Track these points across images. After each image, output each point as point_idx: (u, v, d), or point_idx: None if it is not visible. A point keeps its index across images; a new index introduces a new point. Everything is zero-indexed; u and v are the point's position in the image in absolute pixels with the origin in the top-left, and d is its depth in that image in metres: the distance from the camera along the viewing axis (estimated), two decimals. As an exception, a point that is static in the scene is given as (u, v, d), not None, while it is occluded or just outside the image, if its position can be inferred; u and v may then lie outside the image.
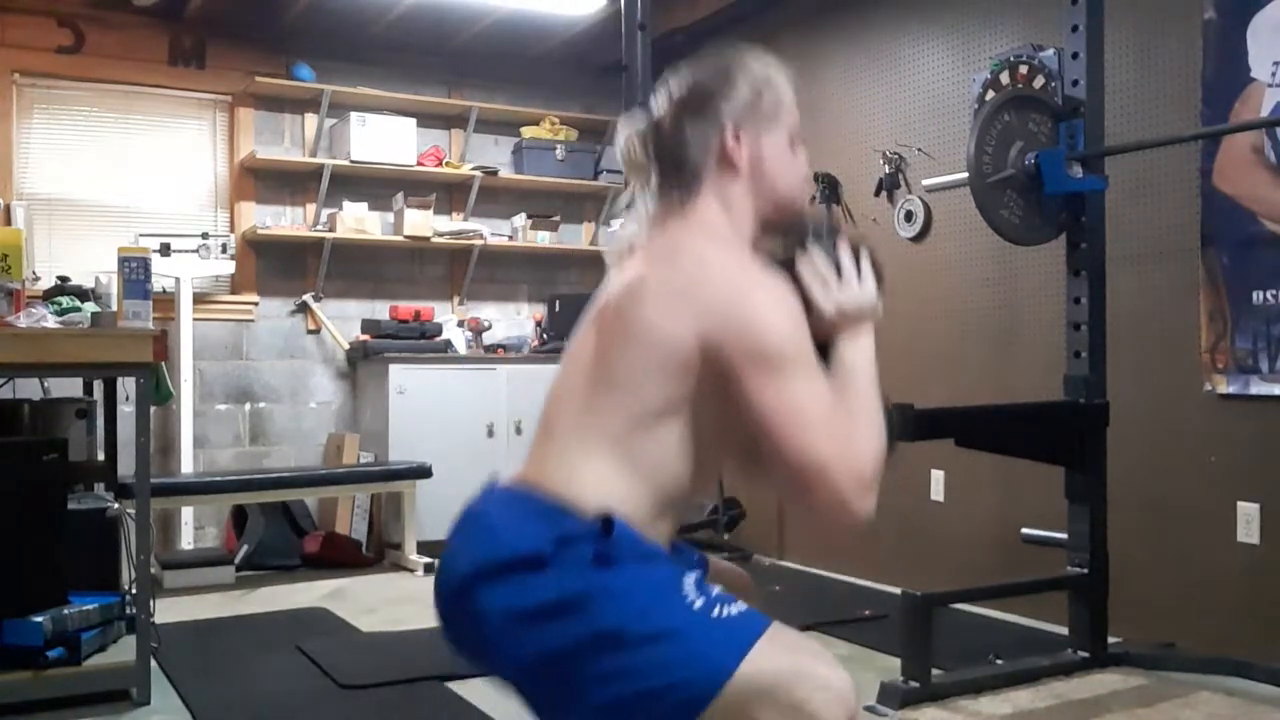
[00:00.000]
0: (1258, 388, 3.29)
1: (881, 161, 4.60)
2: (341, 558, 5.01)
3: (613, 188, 5.89)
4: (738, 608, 1.34)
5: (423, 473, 4.96)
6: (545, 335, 5.80)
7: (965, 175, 3.23)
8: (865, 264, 1.58)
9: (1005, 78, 4.04)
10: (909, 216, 4.53)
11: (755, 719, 1.27)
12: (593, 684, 1.30)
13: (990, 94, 4.05)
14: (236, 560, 4.82)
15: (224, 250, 5.22)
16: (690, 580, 1.35)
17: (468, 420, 5.33)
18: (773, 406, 1.34)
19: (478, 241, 5.75)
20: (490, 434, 5.36)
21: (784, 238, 1.58)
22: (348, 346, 5.55)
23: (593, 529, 1.34)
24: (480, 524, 1.47)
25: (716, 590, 1.36)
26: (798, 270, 1.52)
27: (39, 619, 2.87)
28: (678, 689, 1.28)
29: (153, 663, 3.08)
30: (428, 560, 4.90)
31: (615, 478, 1.39)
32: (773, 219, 1.56)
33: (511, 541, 1.38)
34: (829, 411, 1.36)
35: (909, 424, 2.99)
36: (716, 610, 1.32)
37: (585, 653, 1.30)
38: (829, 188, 4.88)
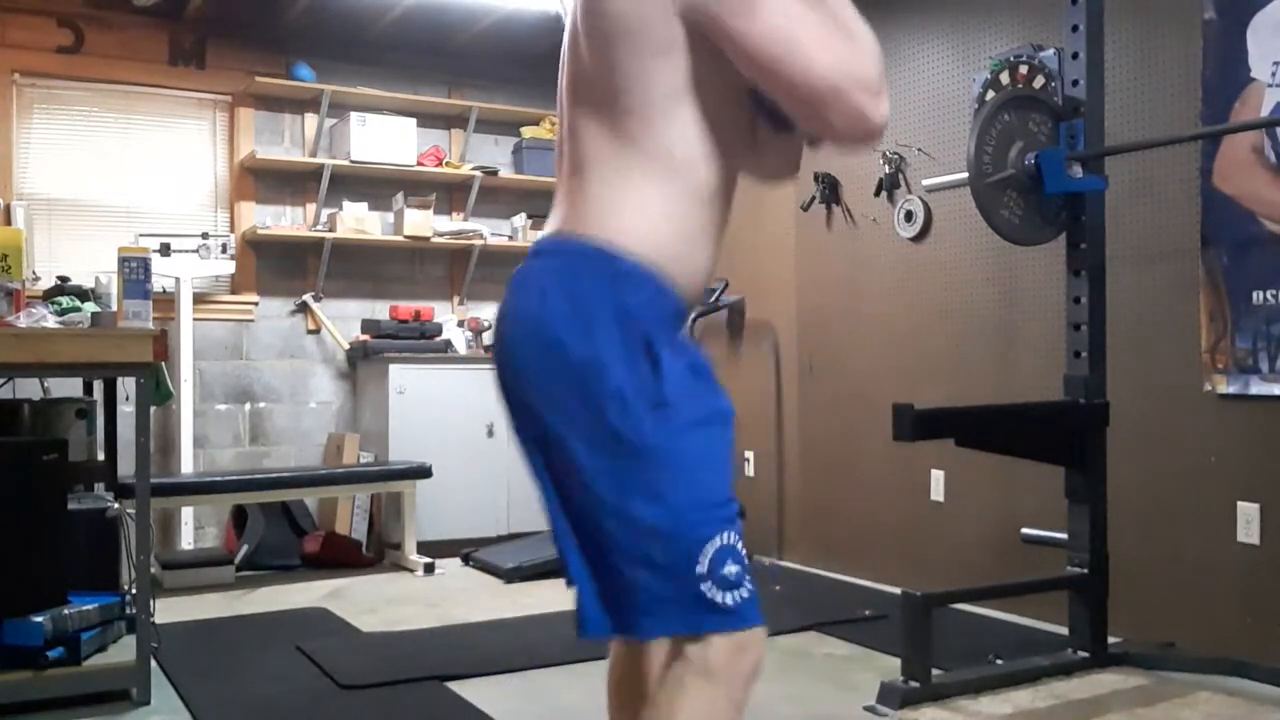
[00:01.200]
0: (1258, 388, 3.29)
1: (881, 161, 4.60)
2: (341, 558, 5.01)
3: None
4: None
5: (423, 473, 4.96)
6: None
7: (965, 175, 3.23)
8: None
9: (1005, 78, 4.04)
10: (909, 216, 4.53)
11: None
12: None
13: (990, 94, 4.05)
14: (236, 560, 4.82)
15: (224, 250, 5.22)
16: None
17: (468, 420, 5.33)
18: (763, 41, 1.33)
19: (478, 241, 5.75)
20: (490, 434, 5.36)
21: None
22: (348, 346, 5.55)
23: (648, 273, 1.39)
24: (544, 283, 1.44)
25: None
26: None
27: (39, 619, 2.87)
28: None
29: (153, 663, 3.08)
30: (427, 560, 4.90)
31: (652, 193, 1.40)
32: None
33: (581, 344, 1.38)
34: (818, 29, 1.34)
35: (909, 424, 3.00)
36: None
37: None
38: (829, 188, 4.89)
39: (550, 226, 1.50)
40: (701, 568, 1.34)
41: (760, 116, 1.53)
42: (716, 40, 1.36)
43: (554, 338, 1.39)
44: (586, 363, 1.37)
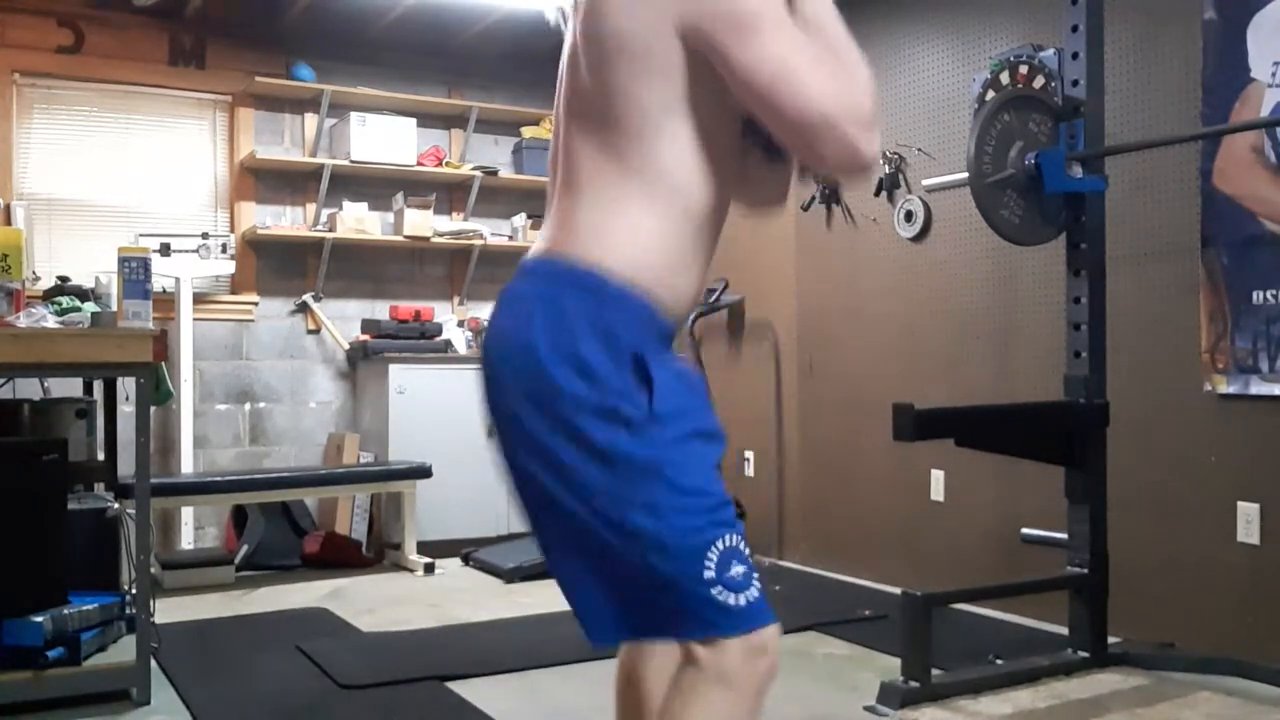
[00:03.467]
0: (1258, 388, 3.29)
1: (881, 161, 4.60)
2: (341, 558, 5.01)
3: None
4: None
5: (423, 473, 4.96)
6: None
7: (965, 175, 3.23)
8: None
9: (1005, 78, 4.04)
10: (909, 216, 4.53)
11: None
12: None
13: (990, 94, 4.05)
14: (236, 560, 4.82)
15: (224, 250, 5.22)
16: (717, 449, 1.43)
17: (468, 420, 5.26)
18: (759, 69, 1.33)
19: (478, 241, 5.75)
20: (490, 434, 5.35)
21: None
22: (348, 346, 5.55)
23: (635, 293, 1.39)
24: (528, 306, 1.44)
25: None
26: None
27: (39, 619, 2.87)
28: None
29: (153, 663, 3.08)
30: (427, 560, 4.90)
31: (644, 216, 1.40)
32: None
33: (561, 362, 1.38)
34: (814, 60, 1.35)
35: (909, 424, 3.00)
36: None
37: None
38: (829, 188, 4.89)
39: (539, 245, 1.50)
40: (709, 573, 1.34)
41: (753, 144, 1.53)
42: (714, 64, 1.36)
43: (539, 358, 1.39)
44: (573, 381, 1.37)
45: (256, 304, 5.47)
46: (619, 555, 1.37)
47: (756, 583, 1.38)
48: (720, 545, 1.36)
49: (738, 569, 1.36)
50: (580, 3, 1.48)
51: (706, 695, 1.36)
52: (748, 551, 1.40)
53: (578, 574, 1.43)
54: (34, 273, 4.72)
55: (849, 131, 1.34)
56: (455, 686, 3.18)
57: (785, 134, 1.38)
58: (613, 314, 1.38)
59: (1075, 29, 3.30)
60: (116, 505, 3.54)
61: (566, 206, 1.46)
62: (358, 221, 5.49)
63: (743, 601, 1.35)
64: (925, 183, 4.31)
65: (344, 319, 5.63)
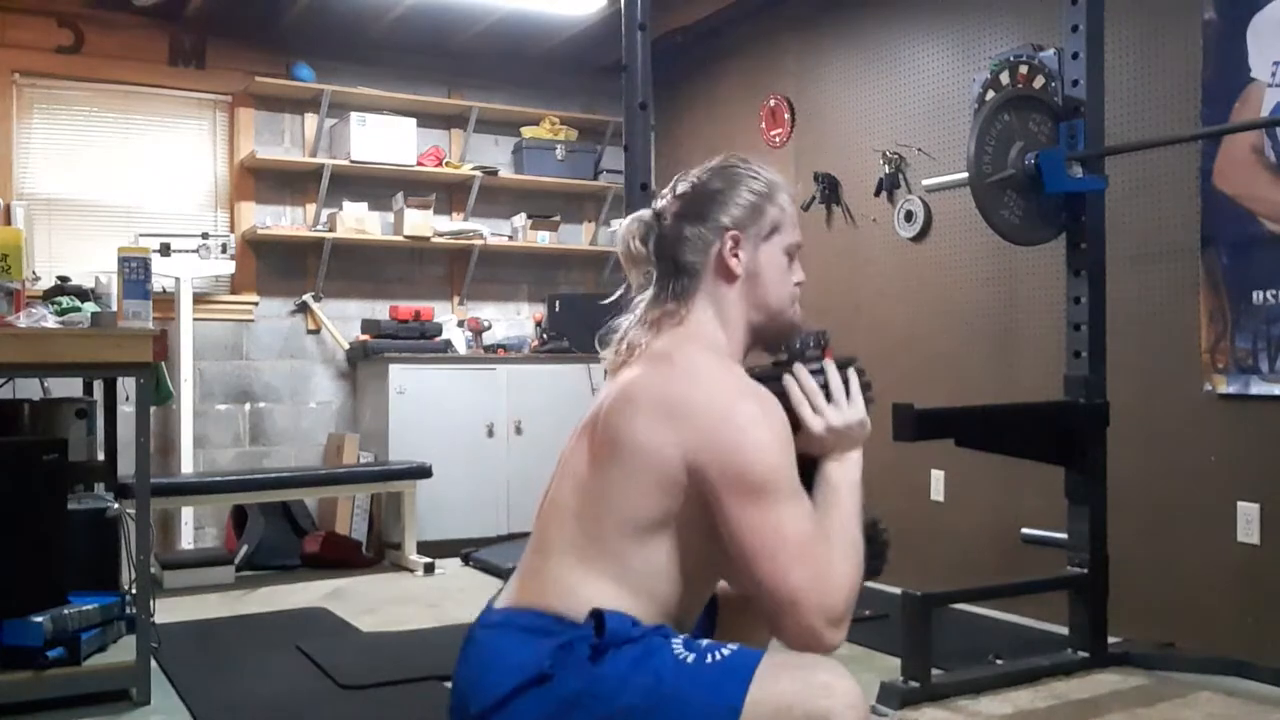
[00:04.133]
0: (1258, 388, 3.29)
1: (881, 161, 4.60)
2: (341, 558, 5.01)
3: (613, 188, 5.89)
4: (729, 649, 1.37)
5: (423, 473, 4.96)
6: (545, 335, 5.80)
7: (965, 175, 3.23)
8: (854, 382, 1.56)
9: (1005, 78, 4.04)
10: (909, 216, 4.53)
11: None
12: None
13: (990, 94, 4.05)
14: (236, 560, 4.82)
15: (224, 250, 5.22)
16: (678, 641, 1.38)
17: (468, 420, 5.33)
18: (749, 532, 1.36)
19: (478, 241, 5.75)
20: (490, 434, 5.36)
21: (772, 353, 1.59)
22: (348, 346, 5.55)
23: (587, 630, 1.37)
24: (484, 656, 1.47)
25: (705, 642, 1.40)
26: (784, 387, 1.52)
27: (39, 619, 2.87)
28: None
29: (153, 663, 3.08)
30: (427, 560, 4.90)
31: (612, 595, 1.41)
32: (764, 330, 1.58)
33: (515, 669, 1.40)
34: (806, 542, 1.37)
35: (909, 424, 3.00)
36: (709, 658, 1.36)
37: None
38: (829, 188, 4.89)
39: (501, 600, 1.52)
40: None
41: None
42: (712, 502, 1.38)
43: (480, 710, 1.41)
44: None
45: (256, 304, 5.47)
46: None
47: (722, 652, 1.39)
48: None
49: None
50: (615, 388, 1.49)
51: None
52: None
53: None
54: (34, 273, 4.71)
55: (812, 623, 1.35)
56: (455, 686, 3.17)
57: (752, 594, 1.40)
58: (568, 666, 1.38)
59: (1075, 29, 3.30)
60: (116, 505, 3.54)
61: (536, 565, 1.48)
62: (358, 221, 5.49)
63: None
64: (925, 183, 4.30)
65: (344, 319, 5.63)
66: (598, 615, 1.37)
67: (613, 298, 1.69)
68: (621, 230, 1.62)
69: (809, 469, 1.48)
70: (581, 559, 1.43)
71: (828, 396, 1.52)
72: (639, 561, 1.42)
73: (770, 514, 1.35)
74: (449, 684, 3.36)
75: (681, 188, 1.59)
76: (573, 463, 1.50)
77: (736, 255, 1.54)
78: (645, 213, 1.61)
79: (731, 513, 1.36)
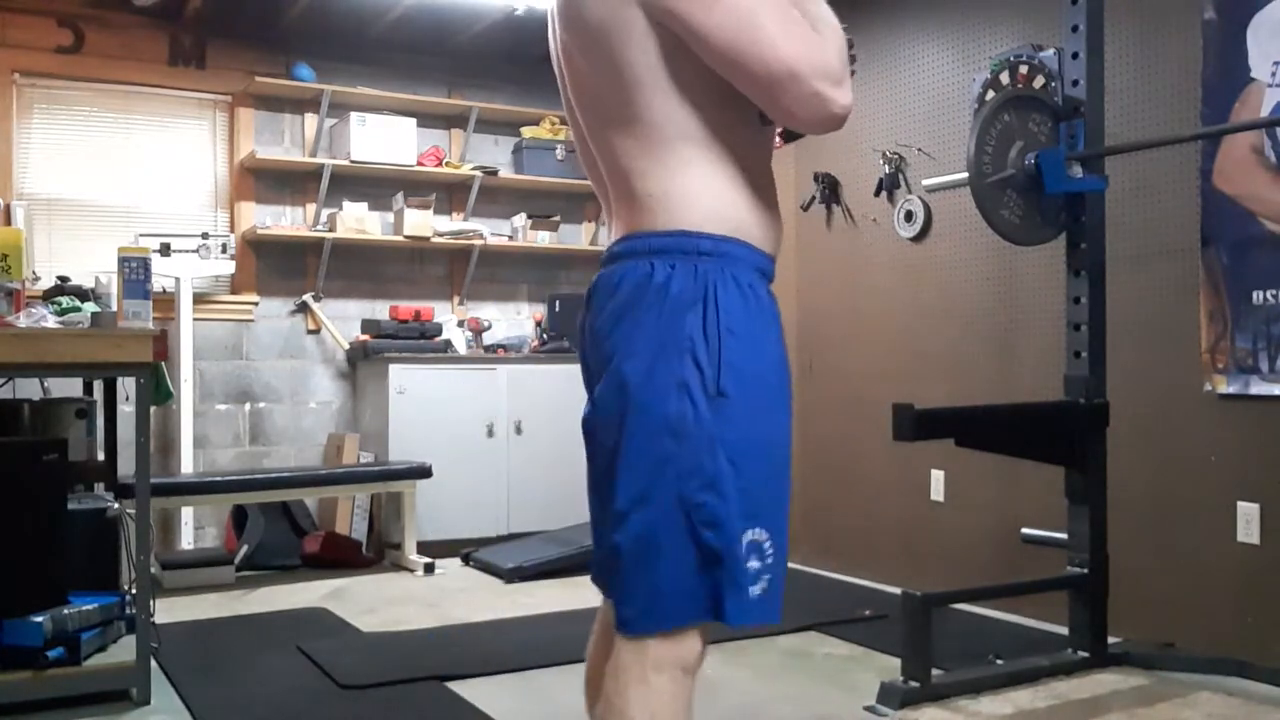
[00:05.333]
0: (1258, 388, 3.29)
1: (881, 161, 4.61)
2: (341, 558, 5.01)
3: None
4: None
5: (423, 473, 4.96)
6: (545, 335, 5.80)
7: (965, 175, 3.23)
8: None
9: (1005, 78, 4.04)
10: (909, 216, 4.53)
11: None
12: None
13: (990, 94, 4.05)
14: (236, 560, 4.82)
15: (224, 250, 5.22)
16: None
17: (468, 420, 5.33)
18: (721, 29, 1.35)
19: (478, 241, 5.75)
20: (490, 434, 5.36)
21: None
22: (348, 346, 5.55)
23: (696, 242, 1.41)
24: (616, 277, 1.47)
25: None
26: None
27: (39, 619, 2.87)
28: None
29: (153, 663, 3.08)
30: (427, 560, 4.90)
31: (693, 172, 1.42)
32: None
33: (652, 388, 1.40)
34: (779, 18, 1.36)
35: (909, 424, 3.00)
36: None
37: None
38: (829, 188, 4.89)
39: (615, 233, 1.53)
40: (741, 558, 1.38)
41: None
42: (677, 32, 1.38)
43: (630, 336, 1.42)
44: (656, 355, 1.39)
45: (256, 304, 5.47)
46: (666, 523, 1.39)
47: (764, 583, 1.40)
48: (750, 536, 1.39)
49: (753, 563, 1.39)
50: (557, 4, 1.51)
51: (639, 677, 1.40)
52: (770, 550, 1.42)
53: (619, 515, 1.44)
54: (34, 273, 4.71)
55: (816, 85, 1.36)
56: (455, 686, 3.18)
57: (752, 92, 1.40)
58: (709, 270, 1.40)
59: (1075, 29, 3.30)
60: (116, 505, 3.54)
61: (622, 191, 1.49)
62: (358, 221, 5.49)
63: (755, 592, 1.40)
64: (925, 183, 4.31)
65: (344, 319, 5.63)
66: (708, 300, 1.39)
67: None
68: None
69: None
70: (649, 158, 1.43)
71: None
72: (681, 121, 1.42)
73: (733, 5, 1.35)
74: (450, 683, 3.37)
75: None
76: (578, 97, 1.52)
77: None
78: None
79: (696, 24, 1.36)
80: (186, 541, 5.09)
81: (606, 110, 1.47)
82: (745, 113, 1.48)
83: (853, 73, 1.47)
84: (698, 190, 1.42)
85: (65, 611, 2.96)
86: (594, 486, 1.51)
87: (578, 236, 6.27)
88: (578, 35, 1.46)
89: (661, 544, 1.38)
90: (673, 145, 1.42)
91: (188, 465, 5.12)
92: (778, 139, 1.65)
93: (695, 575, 1.38)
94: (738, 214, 1.44)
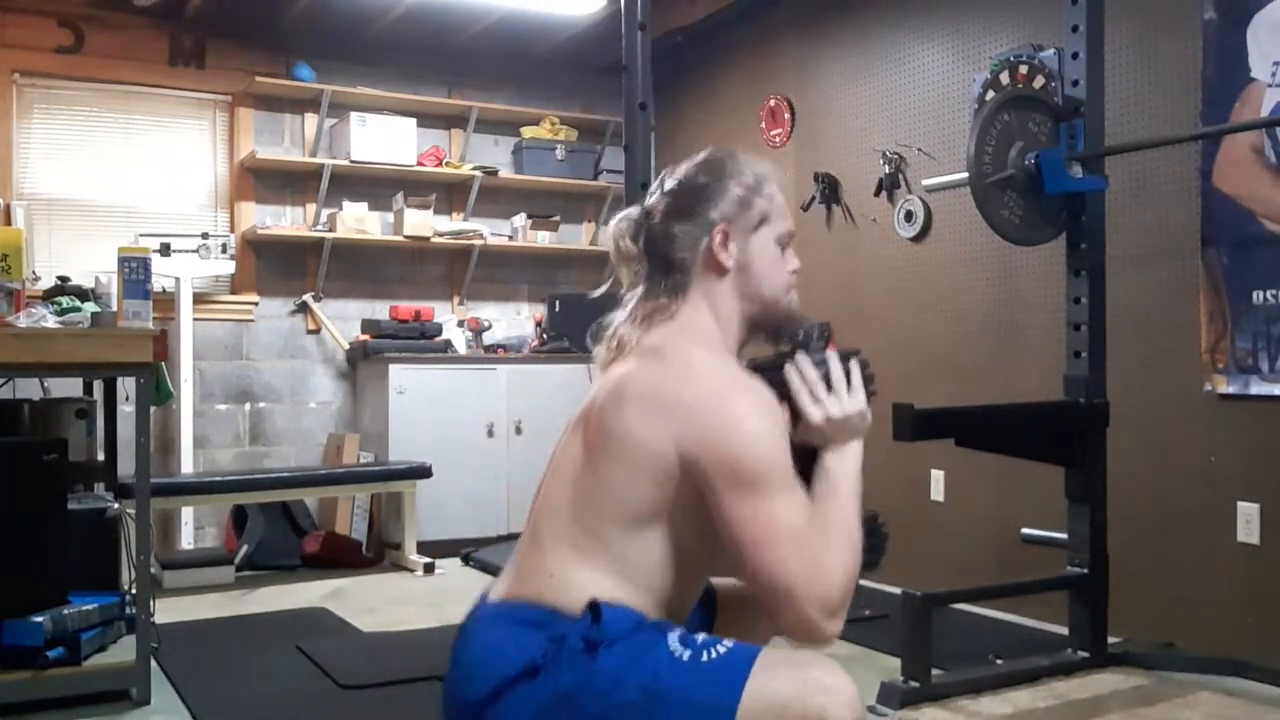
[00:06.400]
0: (1258, 388, 3.29)
1: (881, 161, 4.60)
2: (341, 558, 5.01)
3: (613, 188, 5.89)
4: (725, 645, 1.37)
5: (423, 473, 4.96)
6: (545, 335, 5.80)
7: (965, 175, 3.23)
8: (856, 373, 1.56)
9: (1005, 78, 4.04)
10: (909, 216, 4.53)
11: None
12: None
13: (990, 94, 4.05)
14: (236, 560, 4.82)
15: (224, 250, 5.22)
16: (674, 637, 1.38)
17: (468, 420, 5.33)
18: (743, 523, 1.36)
19: (478, 241, 5.75)
20: (490, 434, 5.36)
21: (774, 343, 1.59)
22: (348, 346, 5.55)
23: (583, 622, 1.37)
24: (475, 649, 1.47)
25: (702, 637, 1.39)
26: (786, 377, 1.52)
27: (39, 619, 2.87)
28: None
29: (153, 663, 3.08)
30: (427, 560, 4.90)
31: (608, 586, 1.41)
32: (760, 321, 1.58)
33: (509, 659, 1.40)
34: (802, 533, 1.37)
35: (909, 424, 3.00)
36: (705, 655, 1.36)
37: None
38: (829, 188, 4.89)
39: (495, 593, 1.52)
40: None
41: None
42: (706, 495, 1.38)
43: (472, 703, 1.42)
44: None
45: (256, 304, 5.47)
46: None
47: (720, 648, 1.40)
48: None
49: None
50: (608, 382, 1.49)
51: None
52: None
53: None
54: (34, 273, 4.71)
55: (809, 612, 1.35)
56: (455, 686, 3.17)
57: (751, 587, 1.40)
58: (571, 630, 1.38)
59: (1075, 29, 3.30)
60: (116, 505, 3.53)
61: (530, 556, 1.48)
62: (358, 221, 5.49)
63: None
64: (925, 183, 4.31)
65: (344, 319, 5.63)
66: (594, 606, 1.37)
67: (600, 290, 1.69)
68: (610, 229, 1.62)
69: (808, 460, 1.48)
70: (576, 550, 1.43)
71: (829, 387, 1.52)
72: (634, 553, 1.42)
73: (764, 505, 1.35)
74: (448, 684, 3.34)
75: (669, 184, 1.59)
76: (566, 458, 1.50)
77: (726, 248, 1.53)
78: (634, 210, 1.61)
79: (725, 504, 1.36)
80: (186, 541, 5.09)
81: (579, 487, 1.45)
82: (693, 578, 1.49)
83: (871, 393, 1.52)
84: (594, 594, 1.41)
85: (65, 611, 2.96)
86: None
87: (578, 236, 6.27)
88: (610, 420, 1.44)
89: None
90: (606, 561, 1.41)
91: (188, 465, 5.12)
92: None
93: None
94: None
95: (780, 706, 1.31)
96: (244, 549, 4.94)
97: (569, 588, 1.41)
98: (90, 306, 3.34)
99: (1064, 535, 3.35)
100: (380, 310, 5.66)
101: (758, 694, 1.31)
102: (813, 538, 1.38)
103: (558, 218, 6.07)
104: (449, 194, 5.91)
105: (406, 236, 5.55)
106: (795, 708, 1.31)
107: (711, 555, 1.48)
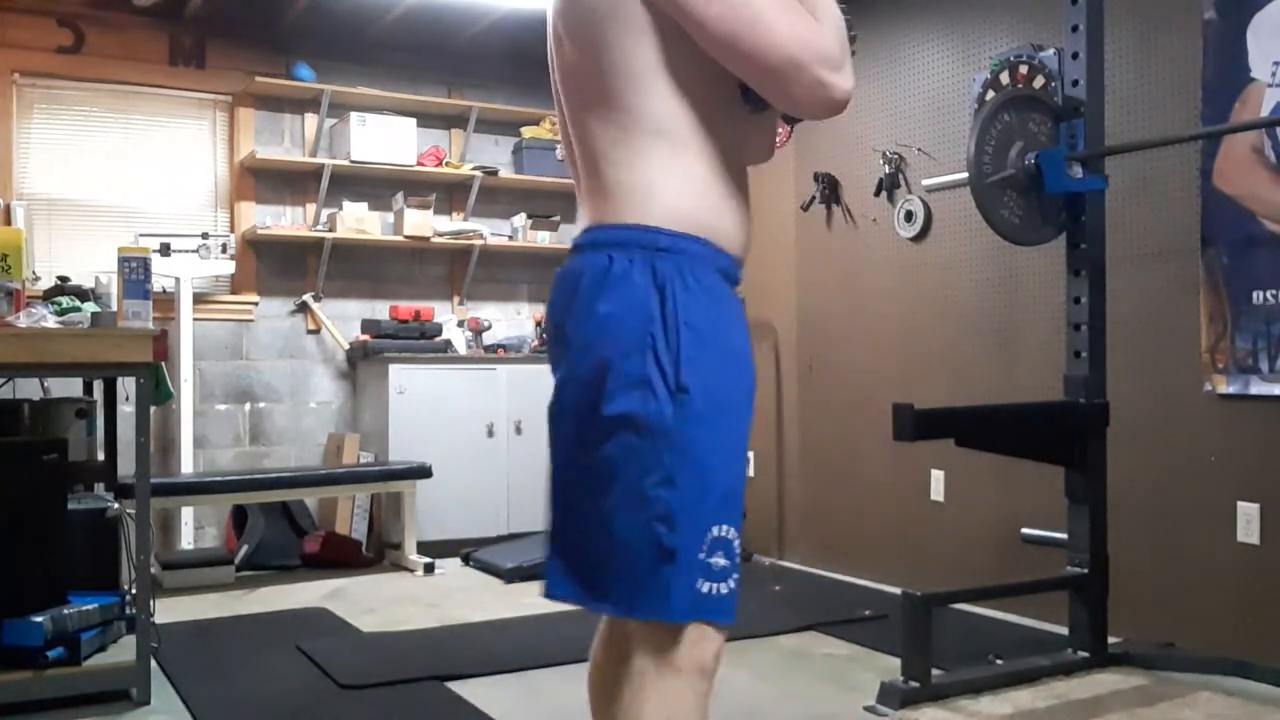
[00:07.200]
0: (1258, 388, 3.29)
1: (881, 161, 4.60)
2: (341, 558, 5.01)
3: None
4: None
5: (423, 473, 4.96)
6: (545, 335, 5.79)
7: (965, 175, 3.23)
8: None
9: (1005, 78, 4.04)
10: (909, 216, 4.53)
11: None
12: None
13: (990, 94, 4.05)
14: (236, 560, 4.82)
15: (224, 250, 5.22)
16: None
17: (468, 420, 5.33)
18: (721, 19, 1.35)
19: (478, 241, 5.75)
20: (490, 434, 5.36)
21: None
22: (348, 346, 5.55)
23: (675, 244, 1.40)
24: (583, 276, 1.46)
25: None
26: None
27: (39, 619, 2.87)
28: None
29: (153, 663, 3.08)
30: (427, 560, 4.90)
31: (663, 167, 1.42)
32: None
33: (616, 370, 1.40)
34: (777, 4, 1.36)
35: (909, 424, 3.00)
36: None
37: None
38: (829, 187, 4.89)
39: (581, 224, 1.53)
40: (700, 554, 1.37)
41: (736, 96, 1.54)
42: (677, 20, 1.38)
43: (588, 330, 1.42)
44: (615, 350, 1.39)
45: (256, 304, 5.47)
46: (626, 518, 1.38)
47: (734, 581, 1.40)
48: (715, 532, 1.38)
49: (721, 560, 1.38)
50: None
51: (656, 680, 1.38)
52: (739, 548, 1.42)
53: (569, 523, 1.46)
54: (34, 273, 4.71)
55: (816, 71, 1.36)
56: (455, 686, 3.18)
57: (753, 79, 1.41)
58: (665, 266, 1.40)
59: (1075, 29, 3.30)
60: (116, 505, 3.54)
61: (593, 183, 1.49)
62: (358, 221, 5.49)
63: (715, 592, 1.38)
64: (925, 183, 4.31)
65: (344, 319, 5.63)
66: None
67: None
68: None
69: None
70: (621, 150, 1.43)
71: None
72: (661, 116, 1.41)
73: None
74: (449, 683, 3.37)
75: None
76: (564, 85, 1.51)
77: None
78: None
79: (701, 14, 1.36)
80: (186, 541, 5.09)
81: (589, 95, 1.47)
82: (729, 113, 1.48)
83: (853, 53, 1.46)
84: (662, 185, 1.42)
85: (65, 611, 2.96)
86: (559, 480, 1.50)
87: (578, 236, 6.27)
88: (571, 16, 1.47)
89: (622, 538, 1.38)
90: (648, 137, 1.42)
91: (188, 465, 5.12)
92: (781, 129, 1.64)
93: (653, 572, 1.37)
94: (701, 213, 1.44)
95: None
96: (244, 549, 4.94)
97: (646, 192, 1.42)
98: (90, 306, 3.34)
99: (1064, 535, 3.35)
100: (380, 310, 5.66)
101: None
102: (790, 8, 1.37)
103: (558, 218, 6.07)
104: (449, 194, 5.91)
105: (406, 236, 5.55)
106: None
107: (730, 103, 1.47)
